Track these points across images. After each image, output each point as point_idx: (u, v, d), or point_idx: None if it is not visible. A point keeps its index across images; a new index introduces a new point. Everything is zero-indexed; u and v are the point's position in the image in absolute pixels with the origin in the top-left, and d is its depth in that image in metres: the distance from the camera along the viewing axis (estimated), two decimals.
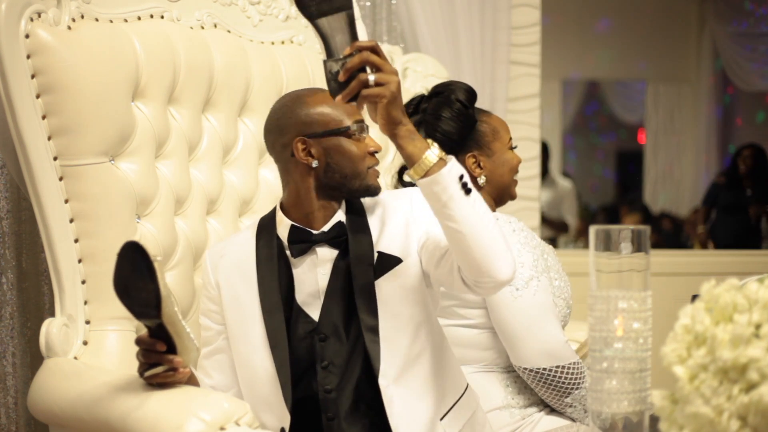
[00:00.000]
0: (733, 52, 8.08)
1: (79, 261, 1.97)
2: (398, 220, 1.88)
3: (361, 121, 1.85)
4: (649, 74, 8.73)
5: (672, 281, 3.92)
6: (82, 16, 2.00)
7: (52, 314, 1.98)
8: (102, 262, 1.97)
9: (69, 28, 1.96)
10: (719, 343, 1.14)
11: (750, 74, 8.06)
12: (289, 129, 1.84)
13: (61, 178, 1.95)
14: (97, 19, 2.03)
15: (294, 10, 2.50)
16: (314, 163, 1.83)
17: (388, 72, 1.60)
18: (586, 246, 6.16)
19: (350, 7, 1.58)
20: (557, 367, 2.11)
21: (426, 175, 1.64)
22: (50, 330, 1.92)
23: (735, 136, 8.57)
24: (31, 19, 1.91)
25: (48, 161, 1.93)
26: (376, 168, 1.87)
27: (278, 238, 1.88)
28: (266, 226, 1.91)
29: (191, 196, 2.16)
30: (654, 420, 1.33)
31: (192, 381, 1.77)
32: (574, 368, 2.12)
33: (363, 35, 1.63)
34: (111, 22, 2.06)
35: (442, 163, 1.64)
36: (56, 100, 1.93)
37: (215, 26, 2.30)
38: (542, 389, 2.14)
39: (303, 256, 1.86)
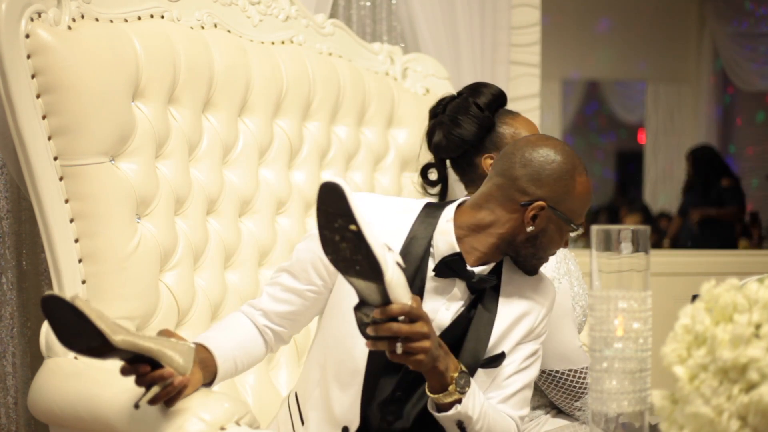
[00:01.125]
0: (733, 52, 8.08)
1: (80, 261, 1.96)
2: (525, 323, 1.85)
3: (581, 225, 1.82)
4: (649, 74, 8.74)
5: (672, 281, 3.91)
6: (83, 16, 1.99)
7: None
8: (102, 262, 1.96)
9: (69, 28, 1.95)
10: (719, 343, 1.14)
11: (750, 74, 8.05)
12: (544, 187, 1.75)
13: (61, 178, 1.94)
14: (97, 19, 2.02)
15: (294, 9, 2.51)
16: (529, 228, 1.76)
17: (417, 339, 1.56)
18: (586, 246, 6.15)
19: (381, 282, 1.49)
20: (570, 371, 2.11)
21: (435, 408, 1.70)
22: (50, 330, 1.86)
23: (735, 137, 8.57)
24: (32, 19, 1.90)
25: (48, 161, 1.92)
26: (550, 257, 1.87)
27: (431, 242, 1.79)
28: (427, 220, 1.81)
29: (191, 196, 2.15)
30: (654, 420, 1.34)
31: (199, 371, 1.68)
32: (586, 373, 2.12)
33: (401, 291, 1.53)
34: (111, 22, 2.05)
35: (451, 402, 1.68)
36: (56, 100, 1.92)
37: (215, 26, 2.29)
38: (553, 391, 2.14)
39: (441, 278, 1.79)
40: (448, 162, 2.28)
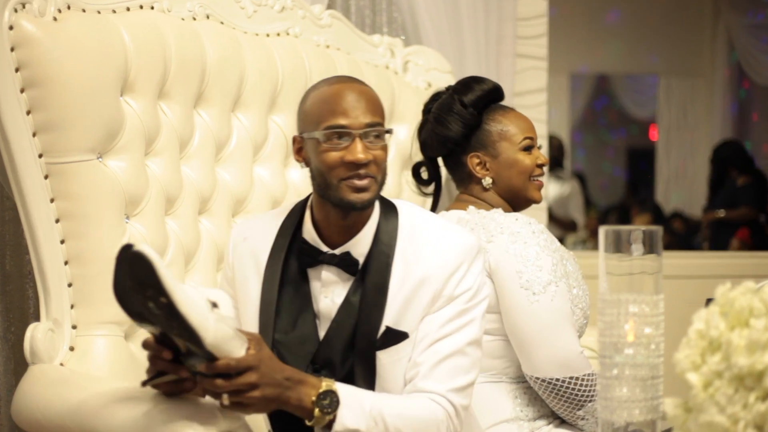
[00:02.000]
0: (748, 45, 8.04)
1: (66, 263, 1.96)
2: (426, 289, 1.74)
3: (340, 127, 1.69)
4: (662, 68, 8.73)
5: (685, 284, 3.88)
6: (69, 7, 1.98)
7: (37, 319, 1.99)
8: (89, 264, 1.98)
9: (55, 19, 1.94)
10: (735, 348, 1.13)
11: (766, 67, 8.00)
12: (297, 119, 1.78)
13: (46, 177, 1.94)
14: (84, 10, 2.02)
15: (290, 1, 2.50)
16: (301, 165, 1.77)
17: (245, 391, 1.54)
18: (595, 247, 6.10)
19: (202, 346, 1.48)
20: (570, 378, 2.05)
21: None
22: (35, 335, 1.90)
23: (751, 132, 8.54)
24: (15, 10, 1.89)
25: (33, 158, 1.92)
26: (356, 181, 1.70)
27: (297, 234, 1.79)
28: (292, 216, 1.82)
29: (182, 195, 2.14)
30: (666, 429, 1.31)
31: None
32: (588, 380, 2.07)
33: (228, 345, 1.51)
34: (99, 13, 2.04)
35: (330, 421, 1.63)
36: (41, 95, 1.91)
37: (207, 17, 2.29)
38: (554, 401, 2.09)
39: (311, 269, 1.78)
40: (440, 159, 2.25)
